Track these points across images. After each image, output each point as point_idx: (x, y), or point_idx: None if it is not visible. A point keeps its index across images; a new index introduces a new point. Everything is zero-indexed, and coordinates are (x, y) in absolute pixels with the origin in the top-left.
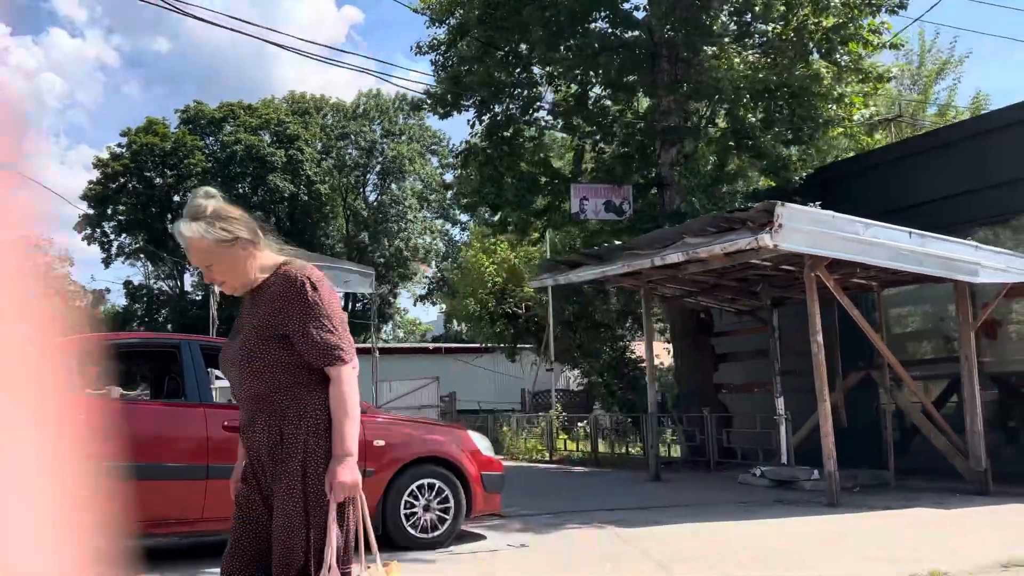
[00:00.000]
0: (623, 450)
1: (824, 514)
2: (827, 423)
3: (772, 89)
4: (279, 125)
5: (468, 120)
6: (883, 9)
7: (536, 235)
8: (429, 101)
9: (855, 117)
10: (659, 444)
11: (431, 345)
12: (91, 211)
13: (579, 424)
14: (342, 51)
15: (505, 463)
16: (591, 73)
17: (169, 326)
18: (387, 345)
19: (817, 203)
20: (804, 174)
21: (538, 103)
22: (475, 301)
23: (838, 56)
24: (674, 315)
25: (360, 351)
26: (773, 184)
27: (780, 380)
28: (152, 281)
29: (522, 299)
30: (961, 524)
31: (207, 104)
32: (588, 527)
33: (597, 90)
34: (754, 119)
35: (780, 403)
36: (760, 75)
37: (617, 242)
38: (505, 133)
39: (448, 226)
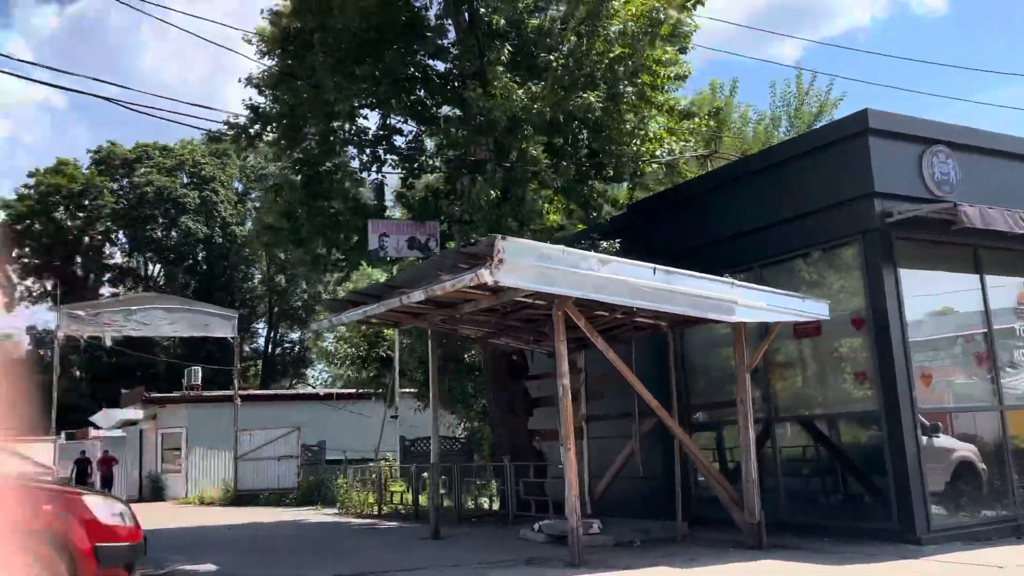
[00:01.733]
0: (453, 503)
1: None
2: (571, 471)
3: (560, 121)
4: (195, 166)
5: (272, 153)
6: (666, 40)
7: (340, 275)
8: (230, 133)
9: (661, 152)
10: (441, 497)
11: (301, 391)
12: None
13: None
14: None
15: (326, 518)
16: (393, 103)
17: (78, 373)
18: (253, 392)
19: (617, 241)
20: (613, 211)
21: (337, 135)
22: (347, 345)
23: (623, 87)
24: (486, 356)
25: (221, 399)
26: (577, 224)
27: (587, 426)
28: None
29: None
30: None
31: (121, 144)
32: None
33: (407, 124)
34: (535, 152)
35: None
36: (536, 106)
37: None
38: (311, 169)
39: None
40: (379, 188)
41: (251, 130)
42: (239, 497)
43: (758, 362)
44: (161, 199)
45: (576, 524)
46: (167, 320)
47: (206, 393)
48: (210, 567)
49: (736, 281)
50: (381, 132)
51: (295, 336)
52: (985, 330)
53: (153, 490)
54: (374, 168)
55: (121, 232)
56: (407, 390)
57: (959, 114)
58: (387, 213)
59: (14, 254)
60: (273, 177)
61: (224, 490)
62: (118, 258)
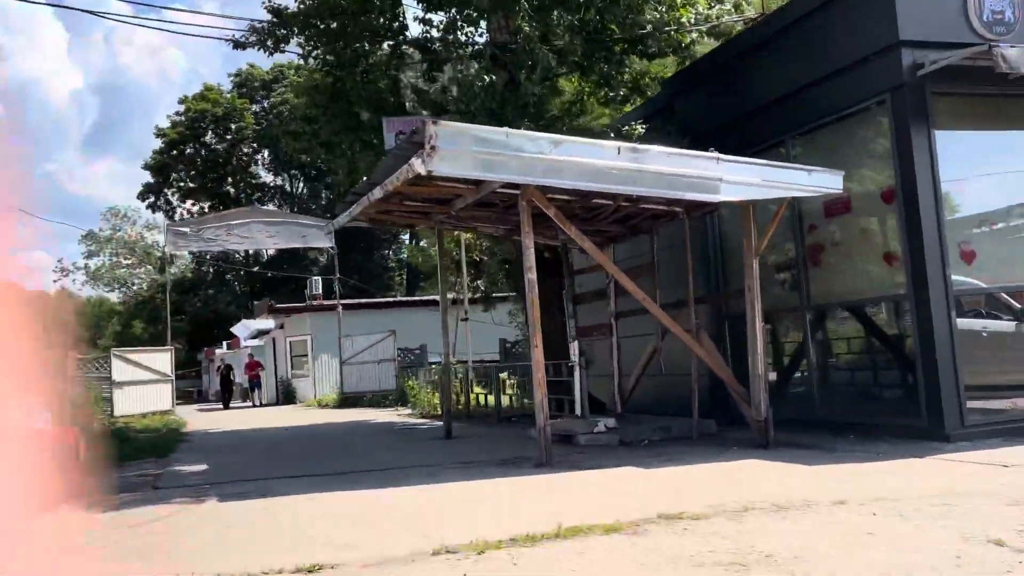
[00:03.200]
0: (512, 402)
1: (516, 475)
2: (539, 371)
3: None
4: None
5: (300, 55)
6: None
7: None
8: (254, 37)
9: (689, 19)
10: (452, 397)
11: (392, 299)
12: (152, 180)
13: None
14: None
15: (395, 418)
16: None
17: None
18: (357, 301)
19: (640, 123)
20: (654, 89)
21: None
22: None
23: None
24: (517, 254)
25: (327, 308)
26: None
27: (616, 323)
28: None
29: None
30: (616, 488)
31: (259, 67)
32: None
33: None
34: (560, 29)
35: (574, 348)
36: None
37: None
38: (341, 70)
39: None
40: (395, 83)
41: (278, 33)
42: (345, 399)
43: (796, 246)
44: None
45: (543, 423)
46: (267, 232)
47: (326, 302)
48: (202, 467)
49: (722, 156)
50: (403, 22)
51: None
52: None
53: (286, 394)
54: (393, 64)
55: (265, 152)
56: (503, 294)
57: None
58: (409, 110)
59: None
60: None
61: (338, 393)
62: (265, 177)
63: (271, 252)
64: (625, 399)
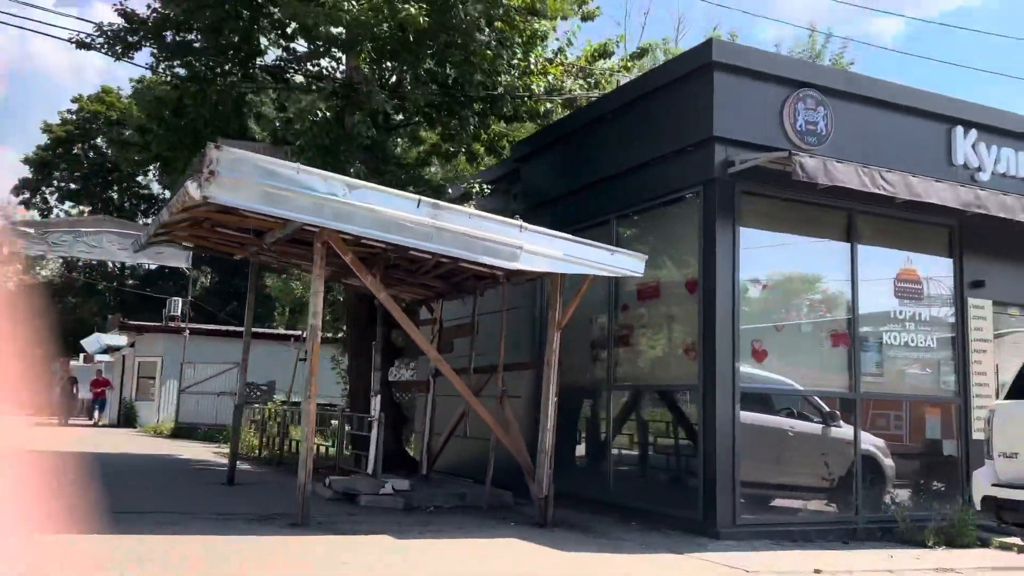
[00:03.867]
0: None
1: (258, 535)
2: (309, 423)
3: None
4: None
5: (149, 63)
6: None
7: None
8: (100, 39)
9: (540, 87)
10: (239, 443)
11: (257, 329)
12: (31, 175)
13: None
14: None
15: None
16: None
17: (108, 298)
18: (206, 327)
19: (486, 184)
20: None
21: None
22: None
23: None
24: (348, 300)
25: (196, 332)
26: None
27: (435, 380)
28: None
29: None
30: (343, 558)
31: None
32: None
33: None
34: (365, 70)
35: (375, 404)
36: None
37: None
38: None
39: None
40: (239, 106)
41: (129, 39)
42: (179, 429)
43: (609, 324)
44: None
45: (304, 480)
46: (118, 244)
47: (183, 324)
48: None
49: (527, 224)
50: (257, 46)
51: None
52: (849, 309)
53: (127, 417)
54: (244, 87)
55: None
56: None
57: None
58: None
59: (53, 176)
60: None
61: (173, 422)
62: (154, 187)
63: (151, 266)
64: (433, 460)
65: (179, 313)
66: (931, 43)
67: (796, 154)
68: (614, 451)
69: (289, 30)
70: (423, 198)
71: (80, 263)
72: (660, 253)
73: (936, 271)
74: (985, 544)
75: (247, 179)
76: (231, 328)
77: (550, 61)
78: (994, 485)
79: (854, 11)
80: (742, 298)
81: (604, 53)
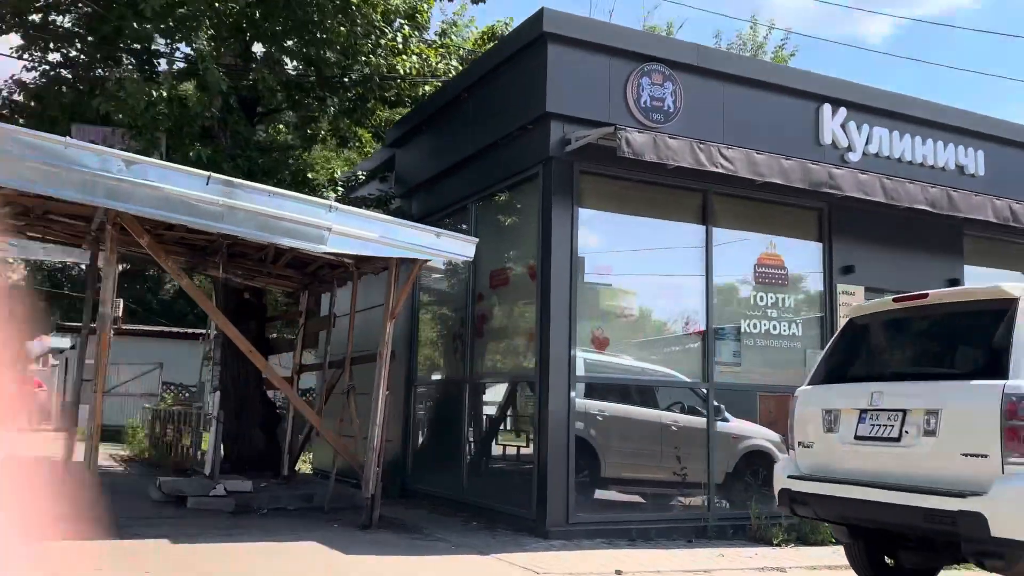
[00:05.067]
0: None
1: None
2: (96, 418)
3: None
4: None
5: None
6: None
7: None
8: None
9: (409, 67)
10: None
11: (175, 329)
12: None
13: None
14: None
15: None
16: None
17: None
18: (130, 327)
19: (360, 172)
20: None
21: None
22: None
23: None
24: (216, 293)
25: (138, 333)
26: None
27: (298, 377)
28: None
29: None
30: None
31: None
32: None
33: None
34: (204, 45)
35: (215, 399)
36: None
37: None
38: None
39: None
40: (91, 89)
41: None
42: (104, 432)
43: (466, 315)
44: None
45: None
46: None
47: (124, 327)
48: None
49: (338, 205)
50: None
51: None
52: (704, 295)
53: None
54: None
55: None
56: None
57: None
58: None
59: None
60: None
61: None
62: None
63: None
64: (294, 459)
65: (119, 313)
66: (920, 45)
67: (623, 129)
68: (468, 447)
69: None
70: (214, 175)
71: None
72: (509, 238)
73: (805, 256)
74: (840, 541)
75: (9, 155)
76: (160, 328)
77: (429, 44)
78: (790, 477)
79: (841, 12)
80: (585, 284)
81: (493, 37)
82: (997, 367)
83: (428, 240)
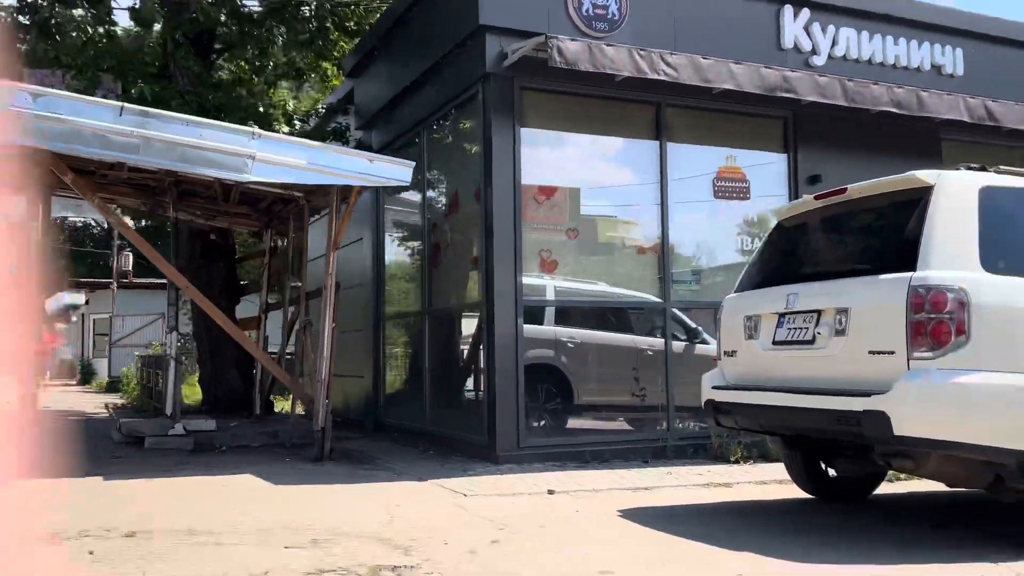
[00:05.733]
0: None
1: None
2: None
3: None
4: None
5: None
6: None
7: None
8: None
9: None
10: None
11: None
12: None
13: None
14: None
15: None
16: None
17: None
18: (145, 280)
19: (321, 105)
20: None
21: None
22: None
23: None
24: (181, 236)
25: (146, 286)
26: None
27: (266, 316)
28: None
29: None
30: None
31: None
32: None
33: None
34: None
35: (171, 339)
36: None
37: None
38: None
39: None
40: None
41: None
42: (112, 383)
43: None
44: None
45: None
46: None
47: (131, 280)
48: None
49: (262, 132)
50: None
51: None
52: (660, 213)
53: (84, 374)
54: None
55: None
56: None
57: None
58: None
59: None
60: None
61: (108, 377)
62: None
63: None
64: (265, 397)
65: (129, 268)
66: None
67: (555, 38)
68: (429, 378)
69: None
70: (128, 105)
71: None
72: (459, 163)
73: (769, 168)
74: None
75: None
76: (161, 281)
77: None
78: (714, 388)
79: None
80: (531, 206)
81: None
82: (907, 260)
83: (360, 165)
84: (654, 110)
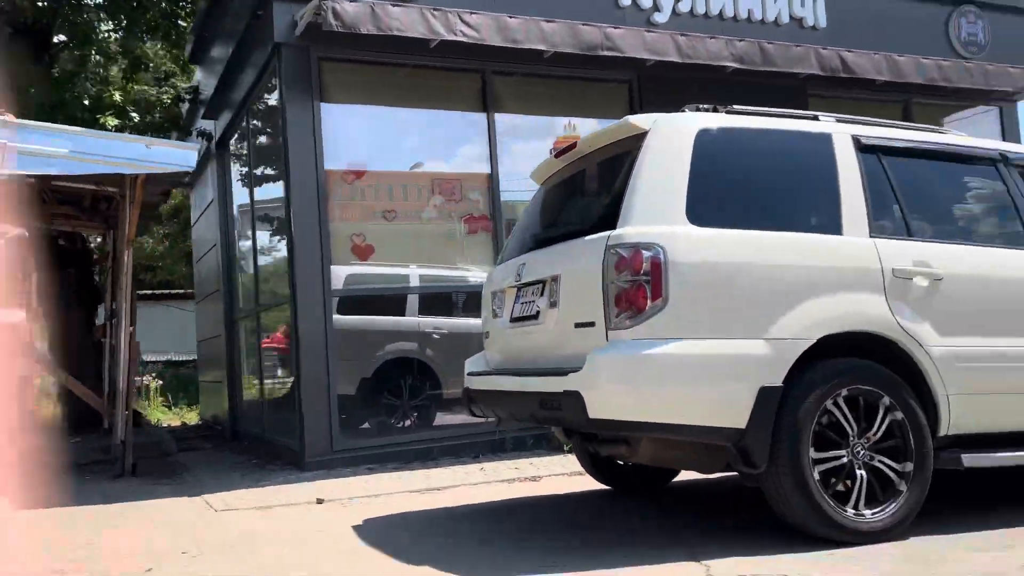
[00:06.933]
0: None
1: None
2: None
3: None
4: None
5: None
6: None
7: None
8: None
9: None
10: None
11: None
12: None
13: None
14: None
15: None
16: None
17: None
18: None
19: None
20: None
21: None
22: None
23: None
24: (32, 243)
25: None
26: None
27: (112, 324)
28: None
29: None
30: None
31: None
32: None
33: None
34: None
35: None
36: None
37: None
38: None
39: None
40: None
41: None
42: None
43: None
44: None
45: None
46: None
47: None
48: None
49: (13, 119)
50: None
51: None
52: (490, 190)
53: None
54: None
55: None
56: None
57: None
58: None
59: None
60: None
61: None
62: None
63: None
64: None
65: None
66: None
67: (329, 1)
68: (267, 383)
69: None
70: None
71: None
72: (274, 147)
73: None
74: None
75: None
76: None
77: None
78: (470, 374)
79: None
80: (338, 189)
81: None
82: (613, 217)
83: (136, 151)
84: (480, 79)
